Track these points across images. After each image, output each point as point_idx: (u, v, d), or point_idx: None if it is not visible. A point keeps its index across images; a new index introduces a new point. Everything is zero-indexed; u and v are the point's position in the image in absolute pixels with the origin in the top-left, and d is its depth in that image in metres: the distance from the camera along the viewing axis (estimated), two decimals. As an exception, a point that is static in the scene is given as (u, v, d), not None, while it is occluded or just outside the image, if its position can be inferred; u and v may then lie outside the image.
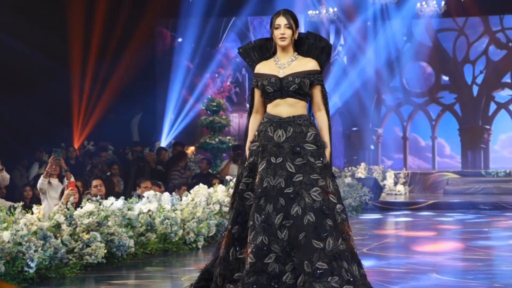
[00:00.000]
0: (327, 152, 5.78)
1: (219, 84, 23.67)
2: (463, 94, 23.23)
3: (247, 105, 23.49)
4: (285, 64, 5.82)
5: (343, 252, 5.51)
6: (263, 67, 5.89)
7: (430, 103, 23.57)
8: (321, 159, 5.71)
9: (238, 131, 23.77)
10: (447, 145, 23.55)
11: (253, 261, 5.56)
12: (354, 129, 23.76)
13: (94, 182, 10.69)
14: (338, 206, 5.63)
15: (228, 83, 23.80)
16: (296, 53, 5.86)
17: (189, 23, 22.95)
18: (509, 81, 22.88)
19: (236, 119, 23.90)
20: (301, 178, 5.64)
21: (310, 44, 5.86)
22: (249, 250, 5.60)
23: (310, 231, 5.52)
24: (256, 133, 5.88)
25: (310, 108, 5.94)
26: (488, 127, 23.05)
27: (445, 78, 23.48)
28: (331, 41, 21.95)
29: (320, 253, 5.46)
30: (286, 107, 5.79)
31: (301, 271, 5.48)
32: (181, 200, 10.18)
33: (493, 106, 23.06)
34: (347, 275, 5.46)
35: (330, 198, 5.62)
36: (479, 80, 23.10)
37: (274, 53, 5.91)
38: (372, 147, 23.61)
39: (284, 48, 5.84)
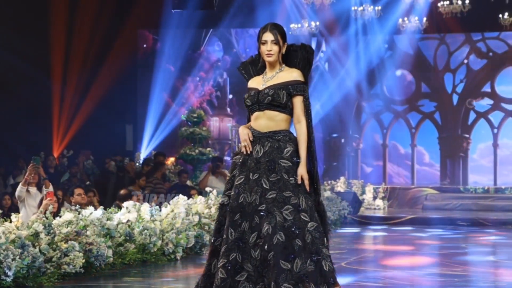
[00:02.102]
0: (301, 167, 5.64)
1: (200, 88, 23.65)
2: (443, 103, 23.33)
3: (228, 109, 23.60)
4: (269, 77, 5.80)
5: (311, 274, 5.47)
6: (252, 82, 5.90)
7: (410, 111, 23.64)
8: (295, 176, 5.65)
9: (218, 135, 23.77)
10: (427, 153, 23.63)
11: (225, 277, 5.55)
12: (334, 135, 23.79)
13: (77, 191, 10.70)
14: (310, 224, 5.56)
15: (209, 87, 23.78)
16: (283, 65, 5.82)
17: (170, 32, 22.88)
18: (489, 90, 22.99)
19: (216, 123, 23.91)
20: (274, 195, 5.61)
21: (301, 56, 5.82)
22: (220, 264, 5.59)
23: (278, 251, 5.48)
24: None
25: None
26: (467, 136, 23.15)
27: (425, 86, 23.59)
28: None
29: (287, 274, 5.43)
30: (265, 121, 5.76)
31: None
32: (160, 210, 10.17)
33: (472, 115, 23.17)
34: None
35: (302, 216, 5.56)
36: (459, 89, 23.20)
37: (264, 67, 5.88)
38: (354, 144, 23.62)
39: (271, 63, 5.81)
